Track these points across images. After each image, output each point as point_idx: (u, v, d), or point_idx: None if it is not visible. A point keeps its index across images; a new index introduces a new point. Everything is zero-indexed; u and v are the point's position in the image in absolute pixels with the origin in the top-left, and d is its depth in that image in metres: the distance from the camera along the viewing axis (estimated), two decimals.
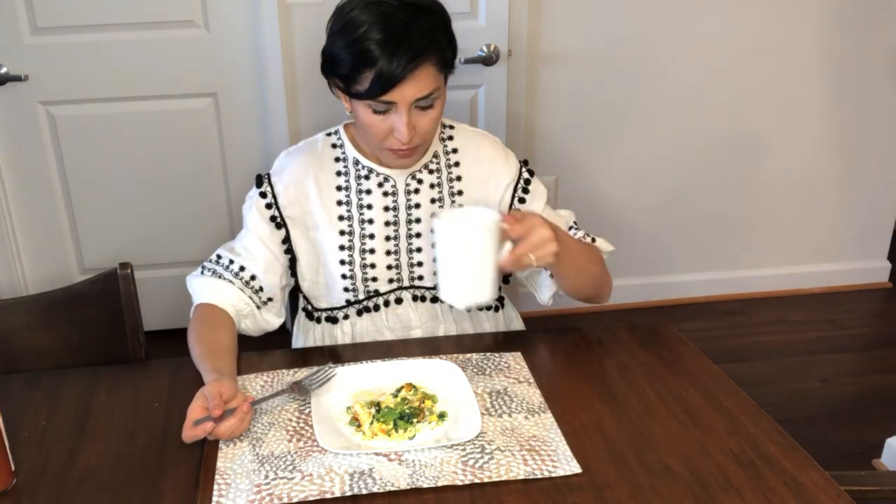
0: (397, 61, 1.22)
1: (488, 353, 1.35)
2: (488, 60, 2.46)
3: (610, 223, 2.91)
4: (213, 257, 1.44)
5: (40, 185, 2.53)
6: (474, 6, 2.44)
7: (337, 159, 1.44)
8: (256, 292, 1.42)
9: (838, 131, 2.95)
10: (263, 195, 1.44)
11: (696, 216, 2.99)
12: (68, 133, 2.48)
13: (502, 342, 1.42)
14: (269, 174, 1.45)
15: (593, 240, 1.49)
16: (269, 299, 1.43)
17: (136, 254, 2.60)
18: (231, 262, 1.42)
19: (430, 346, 1.41)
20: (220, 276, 1.40)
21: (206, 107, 2.52)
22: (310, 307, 1.52)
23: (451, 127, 1.49)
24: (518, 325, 1.61)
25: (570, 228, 1.49)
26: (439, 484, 1.05)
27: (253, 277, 1.41)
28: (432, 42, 1.26)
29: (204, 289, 1.39)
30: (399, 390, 1.23)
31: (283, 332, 1.59)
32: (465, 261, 1.07)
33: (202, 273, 1.42)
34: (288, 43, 2.42)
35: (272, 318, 1.45)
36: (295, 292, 1.55)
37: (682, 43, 2.70)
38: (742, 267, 3.12)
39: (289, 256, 1.46)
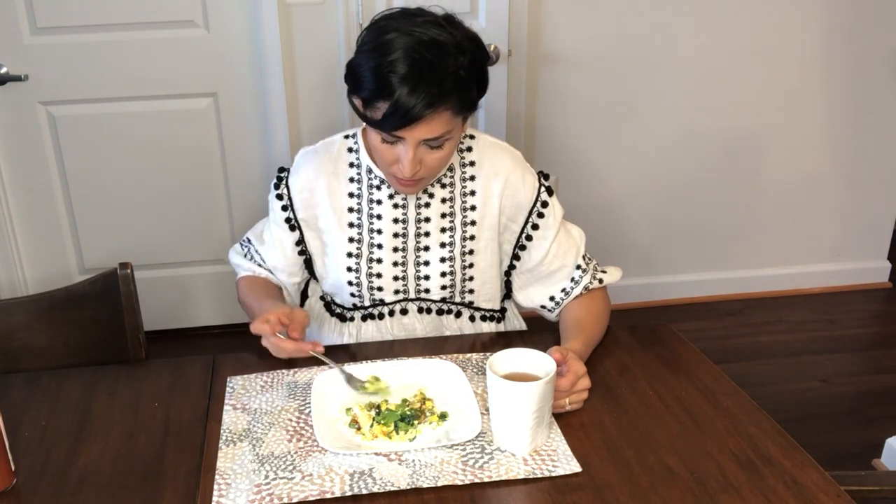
0: (413, 102, 1.19)
1: (488, 354, 1.35)
2: (489, 60, 2.46)
3: (610, 223, 2.91)
4: (245, 240, 1.54)
5: (40, 185, 2.53)
6: (474, 6, 2.45)
7: (351, 164, 1.43)
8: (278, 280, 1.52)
9: (839, 131, 2.95)
10: (280, 197, 1.45)
11: (697, 216, 2.99)
12: (68, 133, 2.48)
13: (503, 342, 1.42)
14: (288, 172, 1.46)
15: (601, 280, 1.46)
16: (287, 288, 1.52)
17: (136, 254, 2.60)
18: (257, 251, 1.51)
19: (430, 346, 1.41)
20: (251, 259, 1.51)
21: (206, 107, 2.52)
22: (332, 301, 1.55)
23: (472, 137, 1.44)
24: (519, 324, 1.61)
25: (579, 268, 1.45)
26: (439, 484, 1.05)
27: (271, 270, 1.51)
28: (455, 86, 1.23)
29: (242, 265, 1.52)
30: (404, 401, 1.22)
31: None
32: (527, 416, 1.09)
33: (241, 248, 1.54)
34: (288, 43, 2.42)
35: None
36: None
37: (683, 43, 2.70)
38: (742, 267, 3.12)
39: (304, 257, 1.49)
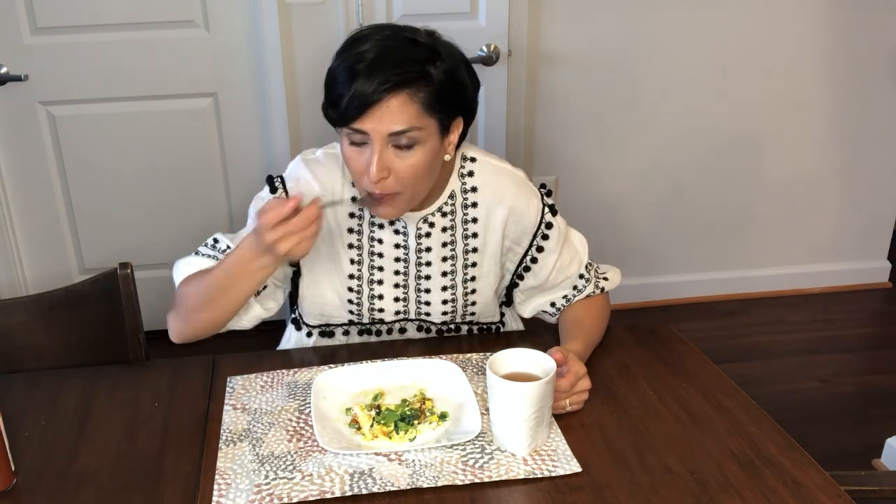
0: (371, 82, 1.14)
1: (488, 354, 1.35)
2: (488, 61, 2.46)
3: (610, 223, 2.91)
4: (210, 241, 1.37)
5: (40, 185, 2.53)
6: (474, 6, 2.44)
7: (353, 183, 1.35)
8: None
9: (839, 131, 2.95)
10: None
11: (697, 216, 2.99)
12: (68, 133, 2.48)
13: (503, 342, 1.42)
14: (282, 177, 1.37)
15: (603, 290, 1.46)
16: (264, 287, 1.34)
17: (136, 254, 2.60)
18: (228, 246, 1.33)
19: (430, 346, 1.41)
20: (214, 259, 1.33)
21: (206, 107, 2.52)
22: (301, 320, 1.48)
23: (473, 160, 1.37)
24: (517, 326, 1.60)
25: (581, 277, 1.44)
26: (439, 484, 1.05)
27: None
28: (422, 76, 1.17)
29: (191, 266, 1.32)
30: (404, 401, 1.21)
31: (275, 335, 1.59)
32: (527, 416, 1.09)
33: (197, 252, 1.36)
34: (288, 43, 2.42)
35: (269, 304, 1.36)
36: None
37: (683, 43, 2.70)
38: (742, 267, 3.12)
39: (293, 269, 1.40)
